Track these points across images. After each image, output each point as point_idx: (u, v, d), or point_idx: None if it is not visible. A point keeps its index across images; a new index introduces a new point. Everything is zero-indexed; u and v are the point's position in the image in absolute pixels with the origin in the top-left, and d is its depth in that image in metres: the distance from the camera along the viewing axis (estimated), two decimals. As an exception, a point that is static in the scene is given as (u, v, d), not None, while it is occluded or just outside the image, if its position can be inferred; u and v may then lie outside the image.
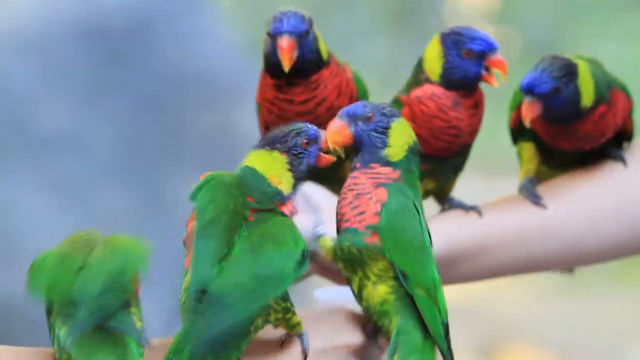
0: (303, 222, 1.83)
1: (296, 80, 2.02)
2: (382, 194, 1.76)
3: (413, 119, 1.98)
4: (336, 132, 1.81)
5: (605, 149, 2.05)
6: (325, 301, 1.85)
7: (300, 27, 1.98)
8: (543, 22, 15.26)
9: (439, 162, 1.99)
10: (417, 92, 1.98)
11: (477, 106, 1.99)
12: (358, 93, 2.08)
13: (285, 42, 1.95)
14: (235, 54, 6.87)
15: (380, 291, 1.70)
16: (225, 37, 6.89)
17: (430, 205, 2.04)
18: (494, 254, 1.94)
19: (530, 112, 1.95)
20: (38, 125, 5.43)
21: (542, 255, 1.95)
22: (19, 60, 6.21)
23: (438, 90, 2.00)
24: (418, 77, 2.03)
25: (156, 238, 1.92)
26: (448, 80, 2.01)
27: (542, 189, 2.00)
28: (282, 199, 1.81)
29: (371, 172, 1.77)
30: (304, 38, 1.98)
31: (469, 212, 1.99)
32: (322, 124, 1.92)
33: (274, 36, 1.98)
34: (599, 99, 1.99)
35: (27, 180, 5.38)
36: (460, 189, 2.12)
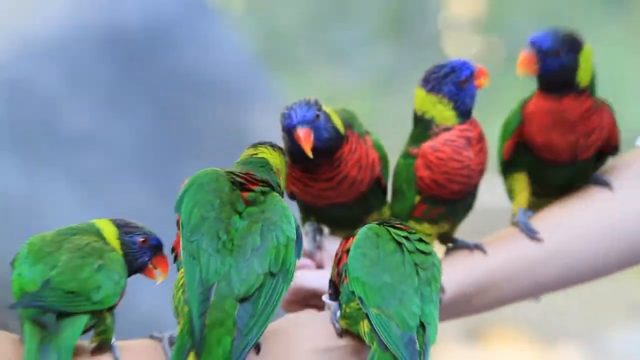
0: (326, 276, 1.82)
1: (321, 161, 2.01)
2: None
3: (429, 167, 1.95)
4: None
5: (591, 176, 2.01)
6: (329, 304, 1.79)
7: (309, 115, 1.96)
8: (525, 31, 15.28)
9: (453, 204, 1.97)
10: (430, 143, 1.96)
11: (481, 139, 1.98)
12: (380, 160, 2.06)
13: (302, 133, 1.94)
14: (245, 59, 6.88)
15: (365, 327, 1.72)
16: (235, 43, 6.90)
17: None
18: (502, 287, 1.95)
19: (525, 63, 1.95)
20: (64, 124, 5.42)
21: (545, 281, 1.95)
22: (48, 65, 6.20)
23: (450, 135, 1.98)
24: (428, 131, 2.00)
25: (172, 228, 1.89)
26: (462, 114, 1.99)
27: (538, 219, 1.98)
28: (279, 193, 1.81)
29: None
30: (316, 122, 1.96)
31: (473, 251, 1.96)
32: (345, 197, 1.94)
33: (289, 131, 1.98)
34: (592, 88, 1.96)
35: (54, 175, 5.37)
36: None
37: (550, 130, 2.00)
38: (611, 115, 2.05)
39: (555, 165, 2.02)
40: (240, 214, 1.72)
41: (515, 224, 1.99)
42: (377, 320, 1.66)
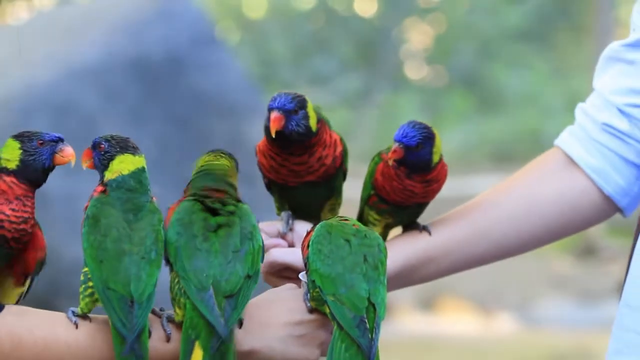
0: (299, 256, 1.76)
1: (290, 147, 1.90)
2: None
3: (382, 174, 1.94)
4: None
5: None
6: (304, 283, 1.74)
7: (289, 105, 1.86)
8: (465, 58, 15.29)
9: (396, 207, 1.96)
10: (388, 155, 1.93)
11: (428, 182, 1.89)
12: (343, 152, 2.01)
13: (273, 116, 1.85)
14: (244, 81, 6.86)
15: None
16: (237, 69, 6.88)
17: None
18: (439, 261, 1.93)
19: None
20: (99, 134, 5.38)
21: (477, 257, 1.94)
22: (86, 87, 6.18)
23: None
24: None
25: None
26: (402, 165, 1.90)
27: (473, 202, 1.93)
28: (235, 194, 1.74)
29: None
30: (293, 114, 1.86)
31: (422, 231, 1.93)
32: (314, 176, 1.88)
33: (268, 111, 1.88)
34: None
35: (90, 177, 5.37)
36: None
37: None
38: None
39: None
40: (214, 230, 1.64)
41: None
42: (333, 305, 1.63)
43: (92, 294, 1.57)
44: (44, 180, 1.65)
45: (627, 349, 1.76)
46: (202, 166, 1.74)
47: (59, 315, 1.58)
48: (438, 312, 8.69)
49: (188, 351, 1.56)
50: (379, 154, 1.93)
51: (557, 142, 1.97)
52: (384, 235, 1.98)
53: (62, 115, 5.80)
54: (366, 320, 1.61)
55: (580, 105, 1.98)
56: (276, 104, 1.86)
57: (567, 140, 1.96)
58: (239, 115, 6.52)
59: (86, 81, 6.14)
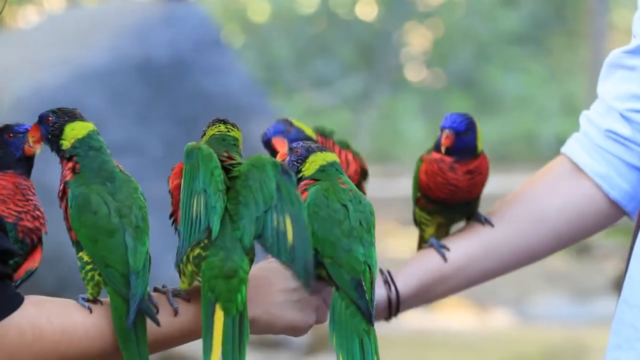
0: None
1: None
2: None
3: (426, 173, 1.90)
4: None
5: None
6: None
7: (280, 127, 1.85)
8: (463, 61, 15.30)
9: (444, 206, 1.95)
10: (431, 156, 1.94)
11: (471, 173, 1.89)
12: (360, 170, 1.92)
13: (276, 141, 1.84)
14: (247, 83, 6.87)
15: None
16: (240, 71, 6.90)
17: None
18: (455, 277, 1.93)
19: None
20: (106, 135, 5.36)
21: (490, 271, 1.94)
22: (94, 88, 6.20)
23: (439, 156, 1.96)
24: (435, 144, 1.96)
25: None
26: (451, 153, 1.88)
27: (489, 213, 1.97)
28: None
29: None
30: (288, 134, 1.84)
31: (484, 224, 1.90)
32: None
33: (267, 144, 1.87)
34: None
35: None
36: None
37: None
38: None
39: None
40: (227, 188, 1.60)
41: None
42: (331, 268, 1.63)
43: (93, 277, 1.55)
44: (26, 168, 1.63)
45: (626, 344, 1.77)
46: (223, 134, 1.70)
47: (72, 303, 1.55)
48: (434, 308, 8.70)
49: (210, 313, 1.55)
50: (421, 157, 1.93)
51: (563, 149, 1.96)
52: (439, 234, 1.96)
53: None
54: (363, 283, 1.63)
55: (584, 112, 1.97)
56: (270, 133, 1.85)
57: (572, 147, 1.95)
58: (242, 117, 6.53)
59: (94, 83, 6.16)
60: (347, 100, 14.37)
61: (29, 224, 1.58)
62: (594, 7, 11.85)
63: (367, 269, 1.65)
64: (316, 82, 15.05)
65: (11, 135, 1.62)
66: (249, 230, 1.57)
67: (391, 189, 11.60)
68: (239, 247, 1.58)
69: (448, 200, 1.90)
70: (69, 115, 1.62)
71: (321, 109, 14.24)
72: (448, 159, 1.88)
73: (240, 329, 1.56)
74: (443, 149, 1.86)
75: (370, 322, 1.62)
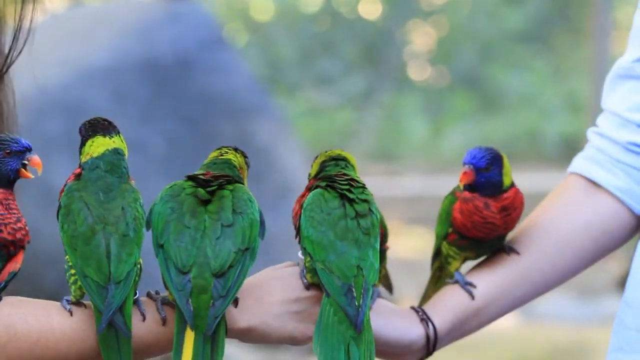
0: None
1: None
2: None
3: (461, 212, 1.87)
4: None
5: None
6: (300, 260, 1.71)
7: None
8: (467, 60, 15.27)
9: (477, 242, 1.88)
10: (463, 193, 1.91)
11: (506, 210, 1.85)
12: (384, 233, 1.87)
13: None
14: (251, 82, 6.87)
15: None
16: (244, 70, 6.89)
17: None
18: (488, 309, 1.91)
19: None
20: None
21: (521, 298, 1.92)
22: (97, 87, 6.20)
23: (470, 194, 1.85)
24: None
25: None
26: (473, 189, 1.85)
27: (514, 239, 1.90)
28: None
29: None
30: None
31: (510, 253, 1.88)
32: None
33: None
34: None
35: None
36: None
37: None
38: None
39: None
40: (205, 202, 1.57)
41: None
42: (321, 273, 1.60)
43: (75, 282, 1.54)
44: (11, 186, 1.58)
45: (628, 346, 1.75)
46: (215, 157, 1.69)
47: (54, 304, 1.55)
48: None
49: (181, 330, 1.52)
50: (453, 192, 1.89)
51: (572, 169, 1.93)
52: (462, 265, 1.95)
53: (74, 115, 5.80)
54: (353, 289, 1.60)
55: (592, 129, 1.93)
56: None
57: (584, 165, 1.91)
58: (246, 115, 6.53)
59: (97, 82, 6.16)
60: (351, 98, 14.35)
61: (8, 237, 1.53)
62: (598, 6, 11.83)
63: (361, 272, 1.61)
64: (320, 80, 15.04)
65: (8, 152, 1.56)
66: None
67: (394, 187, 11.59)
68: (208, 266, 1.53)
69: (484, 238, 1.87)
70: (93, 129, 1.62)
71: (324, 107, 14.25)
72: (480, 196, 1.84)
73: (212, 346, 1.52)
74: (461, 186, 1.83)
75: (357, 329, 1.58)
